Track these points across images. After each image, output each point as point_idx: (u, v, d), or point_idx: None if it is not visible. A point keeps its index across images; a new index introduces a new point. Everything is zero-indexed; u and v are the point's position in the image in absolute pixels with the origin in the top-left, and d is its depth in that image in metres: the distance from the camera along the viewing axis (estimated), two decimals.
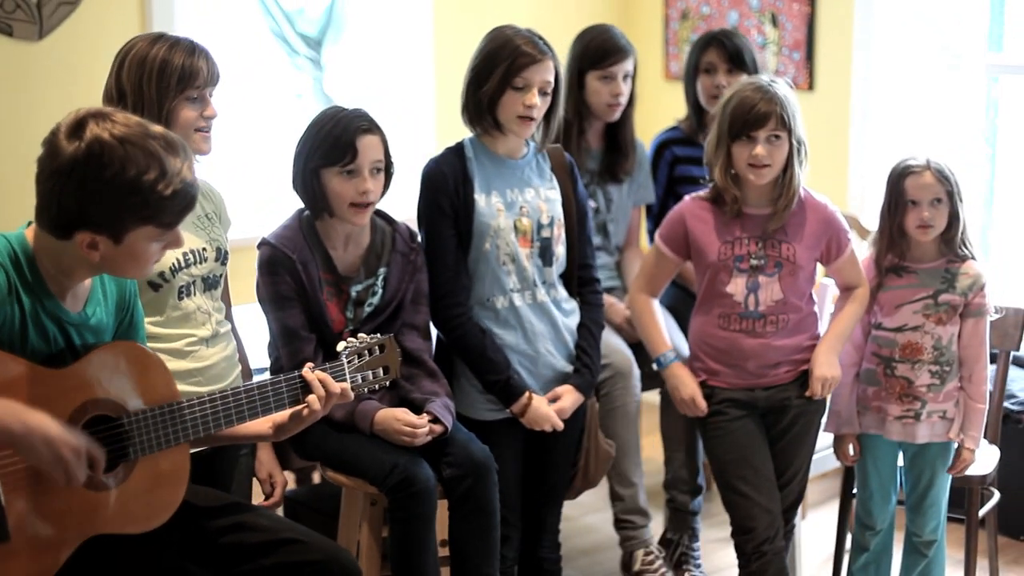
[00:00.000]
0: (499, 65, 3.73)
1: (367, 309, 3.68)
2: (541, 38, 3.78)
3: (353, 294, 3.66)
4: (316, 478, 4.86)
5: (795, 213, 3.83)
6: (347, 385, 3.14)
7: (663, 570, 4.45)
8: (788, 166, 3.76)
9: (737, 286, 3.82)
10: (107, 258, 2.69)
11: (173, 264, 3.37)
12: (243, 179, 5.42)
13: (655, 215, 4.77)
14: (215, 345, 3.50)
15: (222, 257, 3.54)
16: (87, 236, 2.65)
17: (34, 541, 2.67)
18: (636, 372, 4.34)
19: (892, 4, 5.58)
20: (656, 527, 4.69)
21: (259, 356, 3.80)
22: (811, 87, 5.72)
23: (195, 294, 3.45)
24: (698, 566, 4.55)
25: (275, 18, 5.69)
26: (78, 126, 2.64)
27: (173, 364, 3.33)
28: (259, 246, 3.63)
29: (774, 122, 3.71)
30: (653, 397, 4.69)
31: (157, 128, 2.73)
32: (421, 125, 5.78)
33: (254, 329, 3.84)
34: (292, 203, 3.74)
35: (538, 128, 3.83)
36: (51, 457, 2.56)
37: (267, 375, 3.70)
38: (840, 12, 5.62)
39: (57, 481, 2.61)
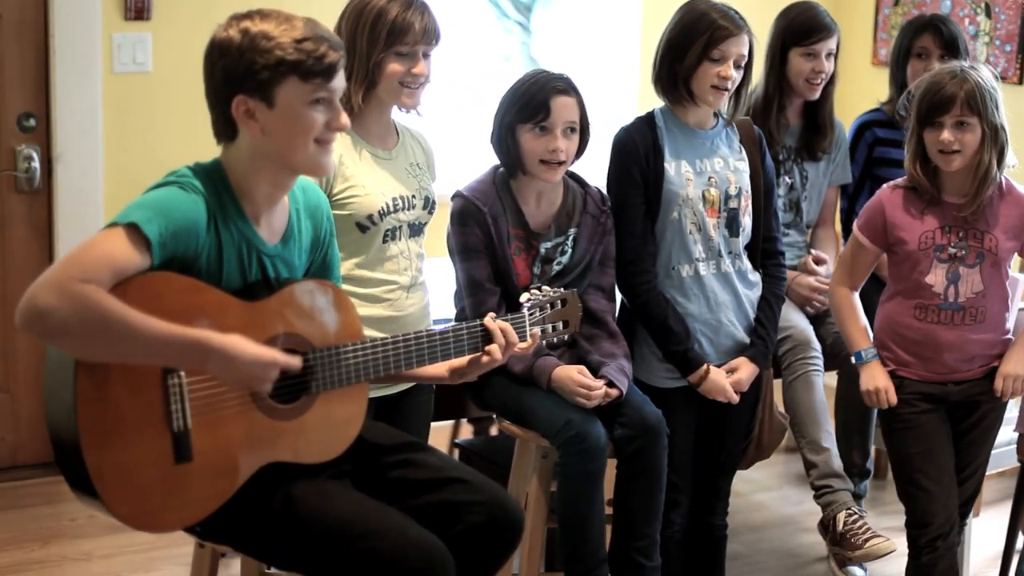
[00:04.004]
0: (697, 38, 3.76)
1: (555, 268, 3.75)
2: (736, 11, 3.81)
3: (542, 251, 3.74)
4: (493, 431, 4.96)
5: (995, 203, 3.76)
6: (536, 334, 3.24)
7: (867, 527, 4.35)
8: (979, 153, 3.68)
9: (937, 276, 3.75)
10: (268, 129, 2.79)
11: (383, 208, 3.49)
12: (447, 138, 5.52)
13: (850, 195, 4.75)
14: (414, 293, 3.61)
15: (430, 206, 3.66)
16: (239, 101, 2.77)
17: (214, 464, 2.76)
18: (816, 343, 4.33)
19: None
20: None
21: (447, 307, 3.89)
22: (1021, 81, 5.61)
23: (400, 238, 3.56)
24: None
25: None
26: (220, 26, 2.82)
27: (369, 310, 3.46)
28: (453, 198, 3.73)
29: (960, 106, 3.64)
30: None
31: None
32: (624, 93, 5.83)
33: (444, 281, 3.94)
34: (493, 162, 3.82)
35: (729, 100, 3.86)
36: (249, 379, 2.70)
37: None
38: None
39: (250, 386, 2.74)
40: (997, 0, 5.64)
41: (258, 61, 2.74)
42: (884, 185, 3.89)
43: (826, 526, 4.39)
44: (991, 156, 3.68)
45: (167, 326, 2.61)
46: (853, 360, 3.92)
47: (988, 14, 5.67)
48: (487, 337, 3.16)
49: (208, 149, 4.88)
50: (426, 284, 3.70)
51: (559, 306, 3.36)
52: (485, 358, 3.15)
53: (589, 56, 5.96)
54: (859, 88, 5.73)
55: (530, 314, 3.29)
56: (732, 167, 3.91)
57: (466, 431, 5.12)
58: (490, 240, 3.67)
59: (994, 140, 3.68)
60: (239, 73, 2.76)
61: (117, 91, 4.93)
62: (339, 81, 2.84)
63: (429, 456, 3.15)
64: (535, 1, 5.91)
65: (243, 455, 2.82)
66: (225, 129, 2.84)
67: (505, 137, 3.69)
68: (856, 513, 4.33)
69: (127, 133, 4.95)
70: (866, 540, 4.20)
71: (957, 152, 3.67)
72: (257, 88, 2.76)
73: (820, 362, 4.36)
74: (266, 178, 2.86)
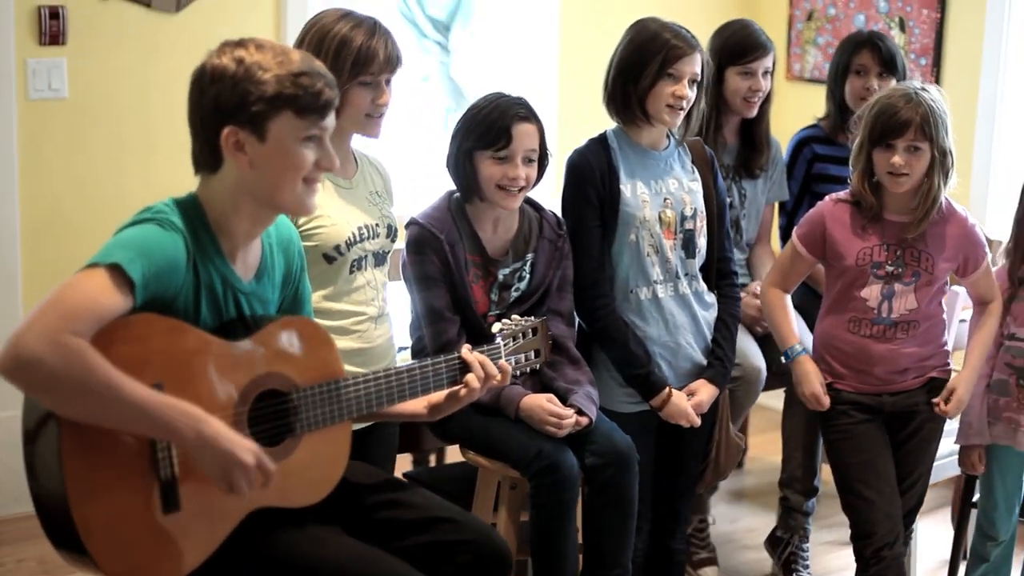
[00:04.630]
0: (652, 58, 3.74)
1: (514, 294, 3.70)
2: (687, 30, 3.80)
3: (500, 277, 3.68)
4: (432, 462, 4.88)
5: (936, 224, 3.79)
6: (507, 367, 3.17)
7: (709, 540, 4.57)
8: (928, 176, 3.72)
9: (872, 292, 3.79)
10: (257, 164, 2.69)
11: (349, 237, 3.40)
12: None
13: (789, 212, 4.75)
14: (381, 325, 3.53)
15: (392, 234, 3.58)
16: (229, 132, 2.67)
17: (201, 512, 2.66)
18: (763, 378, 4.32)
19: None
20: (763, 524, 4.69)
21: (401, 335, 3.80)
22: None
23: (366, 268, 3.48)
24: (806, 567, 4.54)
25: (406, 0, 5.70)
26: (218, 47, 2.73)
27: (339, 343, 3.35)
28: (407, 225, 3.66)
29: (913, 132, 3.66)
30: (766, 398, 4.66)
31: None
32: (544, 113, 5.76)
33: (397, 309, 3.86)
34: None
35: (690, 122, 3.85)
36: (221, 470, 2.58)
37: (407, 354, 3.75)
38: (970, 20, 5.54)
39: (222, 489, 2.62)
40: (911, 15, 5.69)
41: (252, 92, 2.66)
42: (827, 197, 3.92)
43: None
44: (938, 180, 3.73)
45: (153, 397, 2.51)
46: (783, 359, 3.96)
47: (902, 28, 5.71)
48: (464, 369, 3.10)
49: (132, 175, 4.83)
50: (390, 316, 3.62)
51: (530, 335, 3.32)
52: (463, 391, 3.09)
53: (508, 76, 5.92)
54: (773, 102, 5.73)
55: (504, 344, 3.23)
56: (687, 188, 3.89)
57: (403, 461, 5.02)
58: (448, 268, 3.60)
59: (942, 164, 3.72)
60: (232, 103, 2.66)
61: (33, 118, 4.76)
62: (331, 120, 2.77)
63: (414, 495, 3.09)
64: (453, 21, 5.85)
65: (229, 501, 2.71)
66: (209, 159, 2.73)
67: (463, 162, 3.62)
68: (707, 522, 4.57)
69: (45, 161, 4.79)
70: (701, 562, 4.49)
71: (906, 175, 3.70)
72: (249, 120, 2.67)
73: (759, 393, 4.36)
74: (247, 215, 2.77)
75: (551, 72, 5.82)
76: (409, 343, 3.77)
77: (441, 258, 3.59)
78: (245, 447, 2.60)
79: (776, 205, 4.81)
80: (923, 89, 3.74)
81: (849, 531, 4.18)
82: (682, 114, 3.78)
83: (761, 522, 5.00)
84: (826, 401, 3.86)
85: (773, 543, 4.60)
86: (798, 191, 4.72)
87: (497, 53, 5.92)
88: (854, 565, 3.95)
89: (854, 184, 3.81)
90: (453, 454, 4.54)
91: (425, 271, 3.60)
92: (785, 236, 4.74)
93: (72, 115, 4.84)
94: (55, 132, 4.81)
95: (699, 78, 3.78)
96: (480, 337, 3.45)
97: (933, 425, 3.94)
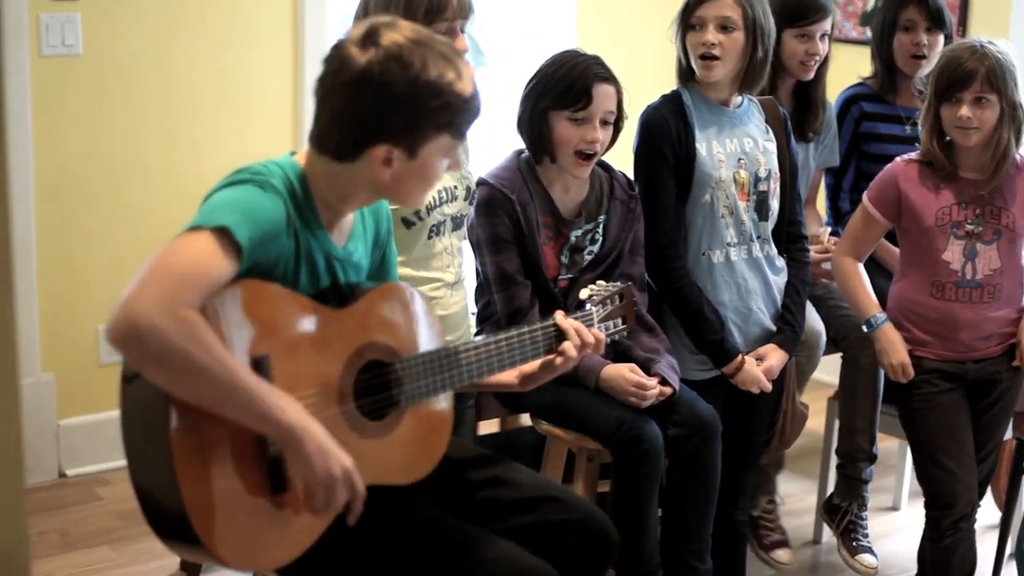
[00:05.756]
0: (680, 13, 3.67)
1: (587, 257, 3.56)
2: None
3: (572, 239, 3.54)
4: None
5: (1012, 179, 3.72)
6: (601, 334, 3.01)
7: (779, 522, 4.43)
8: (998, 129, 3.63)
9: (954, 253, 3.70)
10: (397, 176, 2.55)
11: (430, 202, 3.26)
12: None
13: (836, 171, 4.63)
14: (457, 291, 3.39)
15: (471, 196, 3.44)
16: (383, 150, 2.51)
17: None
18: (823, 343, 4.21)
19: None
20: (799, 490, 4.59)
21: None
22: None
23: (444, 234, 3.34)
24: (866, 535, 4.43)
25: None
26: (369, 34, 2.51)
27: None
28: (477, 185, 3.51)
29: (980, 83, 3.59)
30: None
31: (439, 36, 2.62)
32: None
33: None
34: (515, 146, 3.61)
35: (753, 77, 3.71)
36: (322, 470, 2.42)
37: (472, 321, 3.61)
38: None
39: (313, 497, 2.46)
40: None
41: (424, 123, 2.51)
42: (897, 158, 3.83)
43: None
44: (1009, 134, 3.66)
45: (262, 386, 2.36)
46: (865, 328, 3.86)
47: None
48: (559, 337, 2.94)
49: (148, 135, 4.66)
50: (464, 280, 3.49)
51: (618, 301, 3.16)
52: (559, 359, 2.93)
53: (526, 30, 5.81)
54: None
55: (596, 311, 3.09)
56: (761, 148, 3.76)
57: None
58: (519, 230, 3.46)
59: (1012, 118, 3.65)
60: (399, 127, 2.50)
61: (46, 75, 4.56)
62: None
63: (515, 472, 2.94)
64: None
65: None
66: (343, 153, 2.55)
67: (537, 122, 3.47)
68: (775, 503, 4.43)
69: (58, 119, 4.60)
70: (773, 544, 4.32)
71: (975, 128, 3.62)
72: (410, 143, 2.52)
73: (819, 359, 4.26)
74: (360, 200, 2.65)
75: (569, 24, 5.71)
76: (475, 308, 3.63)
77: (513, 219, 3.45)
78: (344, 456, 2.45)
79: (823, 169, 4.68)
80: (990, 42, 3.68)
81: (904, 496, 4.11)
82: (716, 65, 3.63)
83: (798, 488, 4.92)
84: (911, 372, 3.77)
85: (830, 511, 4.49)
86: (845, 150, 4.59)
87: (515, 6, 5.81)
88: (900, 530, 3.91)
89: (924, 143, 3.73)
90: (486, 427, 4.42)
91: (496, 233, 3.45)
92: (832, 196, 4.63)
93: (86, 72, 4.65)
94: (69, 90, 4.62)
95: (734, 22, 3.62)
96: (550, 302, 3.32)
97: (1012, 395, 3.86)
